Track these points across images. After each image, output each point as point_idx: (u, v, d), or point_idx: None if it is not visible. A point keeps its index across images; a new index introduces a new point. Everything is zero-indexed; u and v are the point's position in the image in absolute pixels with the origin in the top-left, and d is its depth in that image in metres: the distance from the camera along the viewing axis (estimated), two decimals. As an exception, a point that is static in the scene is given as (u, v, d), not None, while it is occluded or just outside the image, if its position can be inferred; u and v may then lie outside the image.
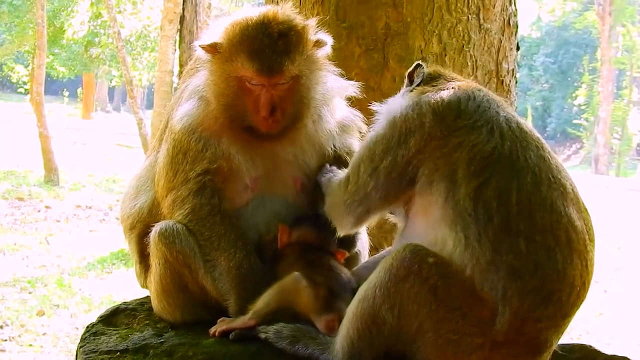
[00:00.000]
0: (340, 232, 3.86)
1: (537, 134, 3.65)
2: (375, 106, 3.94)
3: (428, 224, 3.52)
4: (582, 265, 3.40)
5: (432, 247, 3.44)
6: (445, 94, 3.66)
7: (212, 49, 4.03)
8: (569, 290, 3.37)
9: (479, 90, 3.74)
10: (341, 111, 4.39)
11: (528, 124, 3.68)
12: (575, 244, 3.39)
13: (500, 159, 3.44)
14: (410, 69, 3.95)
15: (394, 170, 3.60)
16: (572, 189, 3.53)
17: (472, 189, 3.39)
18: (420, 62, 3.95)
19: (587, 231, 3.48)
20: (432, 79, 3.88)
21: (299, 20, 4.06)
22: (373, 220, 3.94)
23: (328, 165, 4.18)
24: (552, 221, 3.38)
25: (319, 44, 4.09)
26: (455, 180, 3.43)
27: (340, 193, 3.80)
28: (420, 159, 3.54)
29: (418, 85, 3.86)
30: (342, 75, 4.33)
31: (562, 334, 3.53)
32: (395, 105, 3.77)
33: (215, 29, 4.11)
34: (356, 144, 4.37)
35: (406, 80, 3.96)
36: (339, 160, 4.28)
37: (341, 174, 3.98)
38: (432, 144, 3.52)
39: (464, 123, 3.53)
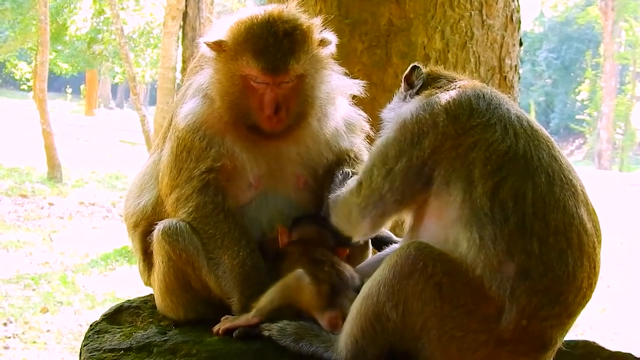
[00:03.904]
0: (356, 237, 3.84)
1: (547, 133, 3.64)
2: (383, 116, 3.94)
3: (440, 225, 3.50)
4: (590, 267, 3.41)
5: (443, 248, 3.43)
6: (455, 93, 3.64)
7: (217, 46, 4.03)
8: (576, 292, 3.37)
9: (485, 87, 3.74)
10: (345, 110, 4.39)
11: (537, 123, 3.67)
12: (586, 246, 3.39)
13: (515, 158, 3.43)
14: (407, 72, 3.93)
15: (410, 172, 3.55)
16: (582, 190, 3.53)
17: (489, 188, 3.37)
18: (416, 64, 3.94)
19: (595, 233, 3.48)
20: (433, 80, 3.87)
21: (304, 19, 4.06)
22: (387, 224, 3.89)
23: (340, 176, 4.14)
24: (565, 223, 3.37)
25: (323, 42, 4.09)
26: (472, 180, 3.40)
27: (353, 198, 3.74)
28: (436, 159, 3.50)
29: (420, 87, 3.85)
30: (345, 73, 4.33)
31: (567, 332, 3.53)
32: (403, 109, 3.74)
33: (220, 26, 4.11)
34: (360, 143, 4.38)
35: (404, 84, 3.94)
36: (344, 159, 4.28)
37: (350, 184, 3.98)
38: (447, 143, 3.49)
39: (477, 121, 3.51)
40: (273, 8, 4.03)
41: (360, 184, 3.72)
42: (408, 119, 3.62)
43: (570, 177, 3.50)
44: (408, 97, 3.87)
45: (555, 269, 3.32)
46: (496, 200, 3.35)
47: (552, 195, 3.39)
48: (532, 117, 3.72)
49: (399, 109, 3.80)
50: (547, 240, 3.33)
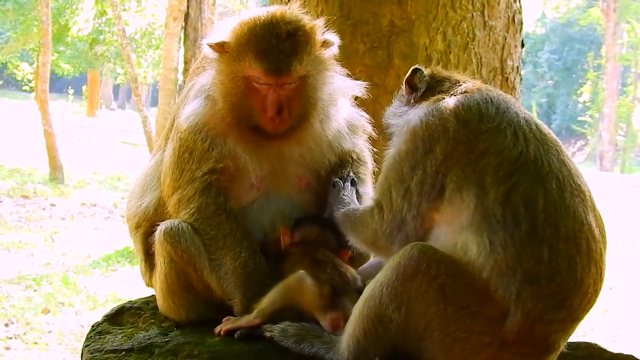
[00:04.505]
0: (385, 258, 3.80)
1: (554, 136, 3.64)
2: (387, 120, 3.93)
3: (450, 230, 3.49)
4: (597, 273, 3.41)
5: (451, 252, 3.42)
6: (463, 97, 3.63)
7: (220, 48, 4.03)
8: (582, 297, 3.38)
9: (491, 90, 3.73)
10: (347, 111, 4.39)
11: (544, 125, 3.66)
12: (594, 252, 3.39)
13: (526, 164, 3.42)
14: (408, 75, 3.90)
15: (426, 183, 3.52)
16: (590, 195, 3.52)
17: (501, 194, 3.37)
18: (417, 66, 3.92)
19: (602, 239, 3.48)
20: (437, 83, 3.85)
21: (306, 20, 4.06)
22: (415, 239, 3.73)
23: (333, 188, 4.14)
24: (575, 229, 3.37)
25: (326, 44, 4.09)
26: (484, 186, 3.40)
27: (374, 225, 3.71)
28: (448, 166, 3.49)
29: (424, 91, 3.83)
30: (347, 74, 4.33)
31: (570, 335, 3.54)
32: (411, 115, 3.73)
33: (222, 28, 4.11)
34: (362, 144, 4.39)
35: (405, 87, 3.92)
36: (346, 160, 4.30)
37: (354, 199, 4.00)
38: (459, 149, 3.48)
39: (488, 126, 3.50)
40: (276, 9, 4.04)
41: (380, 207, 3.68)
42: (418, 126, 3.60)
43: (579, 183, 3.49)
44: (412, 101, 3.86)
45: (563, 275, 3.32)
46: (508, 207, 3.35)
47: (563, 201, 3.39)
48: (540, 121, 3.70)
49: (407, 116, 3.78)
50: (557, 246, 3.32)
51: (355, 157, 4.34)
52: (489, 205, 3.36)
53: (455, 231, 3.45)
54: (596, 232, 3.44)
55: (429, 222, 3.58)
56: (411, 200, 3.56)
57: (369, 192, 4.28)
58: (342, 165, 4.27)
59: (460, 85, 3.78)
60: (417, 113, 3.68)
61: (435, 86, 3.83)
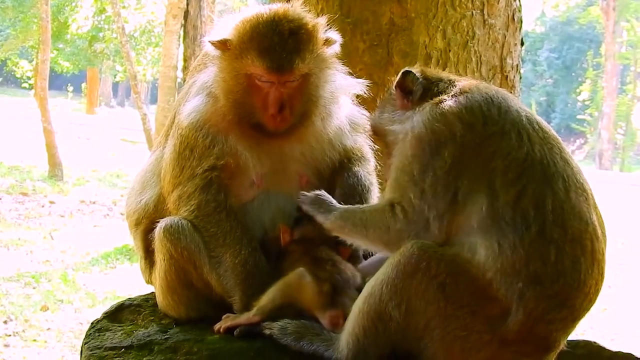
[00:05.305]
0: None
1: (554, 133, 3.64)
2: (383, 127, 3.91)
3: (457, 233, 3.47)
4: (598, 274, 3.42)
5: (458, 253, 3.41)
6: (464, 99, 3.60)
7: (222, 45, 4.03)
8: (583, 297, 3.38)
9: (489, 88, 3.70)
10: (348, 109, 4.39)
11: (544, 122, 3.65)
12: (597, 253, 3.40)
13: (533, 165, 3.42)
14: (399, 78, 3.85)
15: (439, 184, 3.48)
16: (591, 194, 3.53)
17: (512, 197, 3.36)
18: (407, 69, 3.88)
19: (603, 238, 3.48)
20: (432, 84, 3.81)
21: (309, 18, 4.05)
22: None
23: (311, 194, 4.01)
24: (581, 230, 3.37)
25: (328, 42, 4.09)
26: (494, 189, 3.39)
27: (399, 225, 3.56)
28: (458, 169, 3.46)
29: (421, 94, 3.80)
30: (348, 72, 4.32)
31: (570, 334, 3.55)
32: (414, 121, 3.66)
33: (224, 25, 4.11)
34: (363, 141, 4.38)
35: (398, 92, 3.87)
36: (348, 158, 4.30)
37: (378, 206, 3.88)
38: (466, 154, 3.47)
39: (493, 129, 3.49)
40: (278, 7, 4.03)
41: (402, 208, 3.57)
42: (423, 132, 3.57)
43: (582, 181, 3.50)
44: (410, 105, 3.82)
45: (567, 276, 3.32)
46: (518, 209, 3.34)
47: (569, 201, 3.39)
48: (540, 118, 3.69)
49: (409, 121, 3.71)
50: (564, 247, 3.32)
51: (358, 154, 4.33)
52: (499, 208, 3.36)
53: (464, 233, 3.44)
54: (599, 231, 3.45)
55: (449, 225, 3.50)
56: (429, 201, 3.50)
57: (374, 190, 4.29)
58: (343, 164, 4.27)
59: (455, 85, 3.75)
60: (419, 118, 3.64)
61: (431, 87, 3.80)
